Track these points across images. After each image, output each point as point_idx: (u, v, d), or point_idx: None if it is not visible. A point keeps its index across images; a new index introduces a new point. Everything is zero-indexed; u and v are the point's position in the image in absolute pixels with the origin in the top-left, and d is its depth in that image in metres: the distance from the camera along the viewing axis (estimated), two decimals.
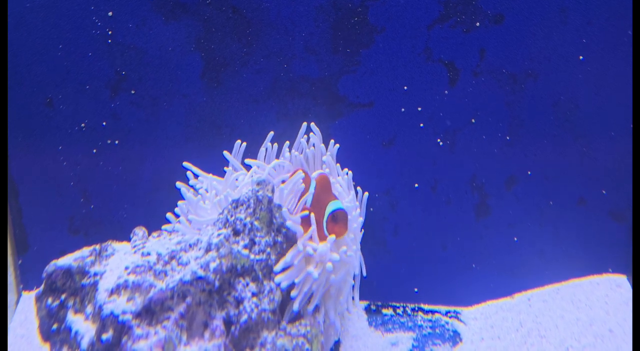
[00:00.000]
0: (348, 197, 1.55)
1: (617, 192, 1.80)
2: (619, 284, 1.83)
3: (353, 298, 1.59)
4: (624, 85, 1.72)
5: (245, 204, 1.37)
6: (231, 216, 1.37)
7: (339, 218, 1.40)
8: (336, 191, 1.57)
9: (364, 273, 1.63)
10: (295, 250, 1.37)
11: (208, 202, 1.54)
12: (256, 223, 1.36)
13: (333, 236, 1.39)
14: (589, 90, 1.74)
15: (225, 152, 1.64)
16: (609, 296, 1.80)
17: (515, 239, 1.84)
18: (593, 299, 1.79)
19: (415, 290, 1.87)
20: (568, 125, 1.76)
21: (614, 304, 1.77)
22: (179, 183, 1.63)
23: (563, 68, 1.72)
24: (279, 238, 1.37)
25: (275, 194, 1.44)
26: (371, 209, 1.82)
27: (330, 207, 1.42)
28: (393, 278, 1.87)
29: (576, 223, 1.82)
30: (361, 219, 1.58)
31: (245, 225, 1.35)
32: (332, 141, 1.68)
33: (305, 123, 1.69)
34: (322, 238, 1.42)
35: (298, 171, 1.55)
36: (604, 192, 1.80)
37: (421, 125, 1.78)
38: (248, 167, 1.62)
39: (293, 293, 1.34)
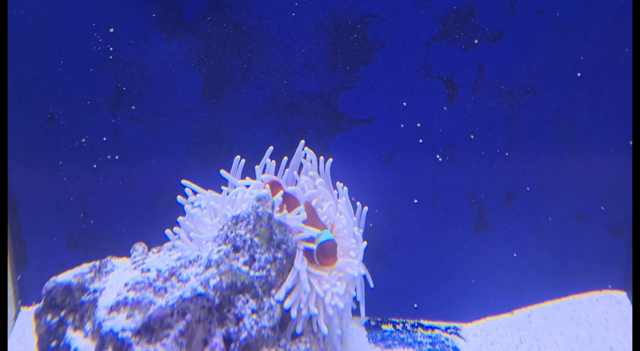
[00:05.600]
0: (347, 221, 1.56)
1: (616, 207, 1.80)
2: (619, 301, 1.83)
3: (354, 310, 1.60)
4: (622, 102, 1.74)
5: (245, 220, 1.38)
6: (231, 232, 1.37)
7: (326, 251, 1.40)
8: (328, 212, 1.58)
9: (371, 285, 1.63)
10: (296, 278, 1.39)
11: (208, 219, 1.54)
12: (256, 239, 1.36)
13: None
14: (587, 107, 1.75)
15: (223, 171, 1.64)
16: (608, 313, 1.80)
17: (515, 255, 1.84)
18: (593, 316, 1.79)
19: (415, 305, 1.87)
20: (566, 141, 1.77)
21: (614, 321, 1.77)
22: (180, 199, 1.63)
23: (561, 84, 1.73)
24: (279, 255, 1.38)
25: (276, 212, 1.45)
26: (371, 224, 1.82)
27: (318, 239, 1.42)
28: (392, 293, 1.86)
29: (575, 239, 1.83)
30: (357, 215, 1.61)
31: (245, 241, 1.35)
32: (321, 158, 1.68)
33: (303, 141, 1.70)
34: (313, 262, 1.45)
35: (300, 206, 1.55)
36: (602, 207, 1.81)
37: (420, 140, 1.79)
38: (247, 185, 1.63)
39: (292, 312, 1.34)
